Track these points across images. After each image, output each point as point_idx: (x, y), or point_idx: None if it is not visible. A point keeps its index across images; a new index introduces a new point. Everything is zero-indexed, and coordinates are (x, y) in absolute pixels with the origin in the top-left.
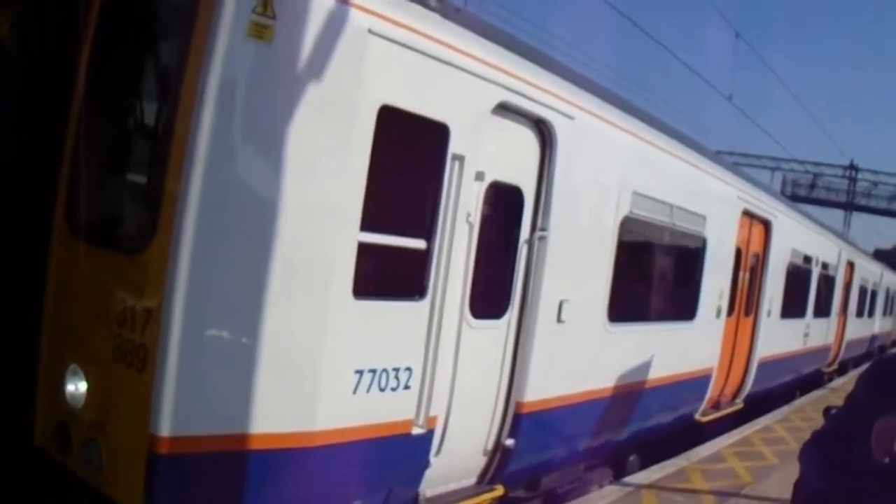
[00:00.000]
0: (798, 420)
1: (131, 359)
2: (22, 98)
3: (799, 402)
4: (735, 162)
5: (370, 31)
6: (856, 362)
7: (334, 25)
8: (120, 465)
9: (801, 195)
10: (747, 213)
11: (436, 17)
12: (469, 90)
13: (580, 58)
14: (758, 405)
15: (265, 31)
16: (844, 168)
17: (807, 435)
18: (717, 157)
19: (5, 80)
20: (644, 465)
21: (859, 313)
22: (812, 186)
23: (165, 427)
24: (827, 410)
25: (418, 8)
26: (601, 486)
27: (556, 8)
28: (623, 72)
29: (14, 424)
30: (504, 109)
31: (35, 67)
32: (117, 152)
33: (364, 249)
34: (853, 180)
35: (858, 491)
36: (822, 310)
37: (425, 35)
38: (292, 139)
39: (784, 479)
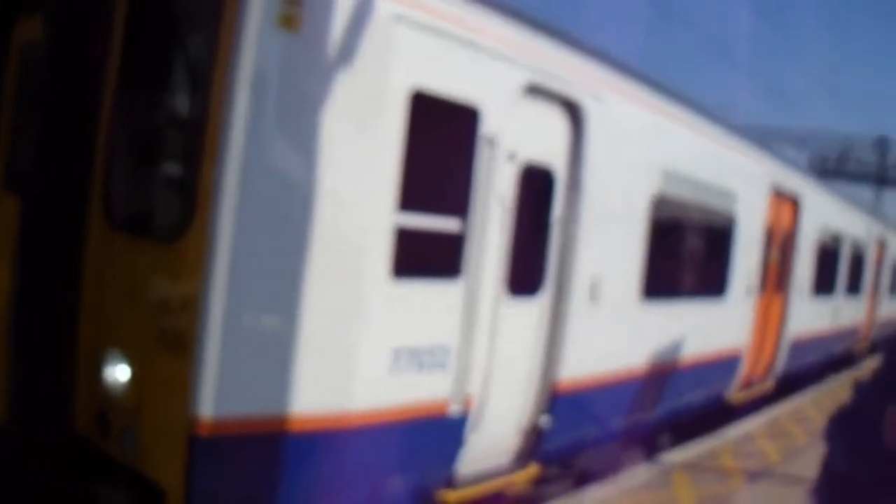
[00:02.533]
0: (828, 401)
1: (171, 344)
2: (56, 95)
3: (830, 382)
4: (761, 136)
5: (397, 17)
6: (887, 342)
7: (361, 12)
8: (161, 447)
9: (829, 169)
10: (776, 190)
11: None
12: (498, 72)
13: (601, 35)
14: (789, 388)
15: (293, 21)
16: (875, 141)
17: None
18: (744, 134)
19: (40, 79)
20: (675, 445)
21: (891, 292)
22: (841, 160)
23: (206, 409)
24: (856, 383)
25: None
26: (633, 466)
27: None
28: (644, 44)
29: (55, 413)
30: (534, 91)
31: (68, 64)
32: (153, 143)
33: (400, 232)
34: (884, 154)
35: (885, 473)
36: (853, 288)
37: (453, 19)
38: (324, 126)
39: (815, 459)
